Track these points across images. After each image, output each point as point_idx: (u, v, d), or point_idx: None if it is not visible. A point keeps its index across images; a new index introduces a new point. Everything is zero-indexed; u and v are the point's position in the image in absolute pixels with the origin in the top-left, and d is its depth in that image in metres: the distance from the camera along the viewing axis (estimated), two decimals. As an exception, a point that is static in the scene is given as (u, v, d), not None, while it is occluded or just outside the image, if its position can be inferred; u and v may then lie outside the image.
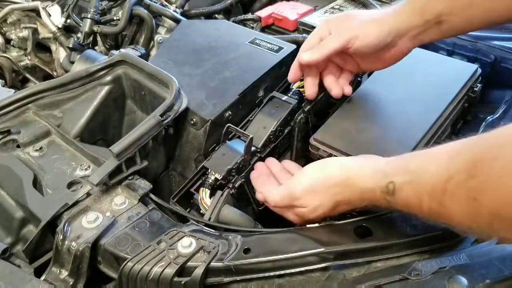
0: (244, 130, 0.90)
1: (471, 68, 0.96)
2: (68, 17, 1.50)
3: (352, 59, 0.88)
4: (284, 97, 0.94)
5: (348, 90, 0.91)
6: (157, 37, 1.39)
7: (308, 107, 0.94)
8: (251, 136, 0.83)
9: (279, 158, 0.94)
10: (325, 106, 1.00)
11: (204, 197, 0.81)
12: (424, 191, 0.55)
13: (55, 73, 1.62)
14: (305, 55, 0.84)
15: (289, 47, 1.05)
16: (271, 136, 0.89)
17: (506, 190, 0.46)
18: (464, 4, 0.76)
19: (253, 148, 0.86)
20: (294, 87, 0.98)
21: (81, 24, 1.44)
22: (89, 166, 0.81)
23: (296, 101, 0.93)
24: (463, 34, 1.07)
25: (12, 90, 1.14)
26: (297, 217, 0.73)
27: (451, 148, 0.55)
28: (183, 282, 0.63)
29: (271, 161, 0.87)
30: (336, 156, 0.83)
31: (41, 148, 0.85)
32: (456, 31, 0.81)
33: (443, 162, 0.54)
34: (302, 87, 0.98)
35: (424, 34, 0.80)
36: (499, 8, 0.76)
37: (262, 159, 0.87)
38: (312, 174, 0.71)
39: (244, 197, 0.86)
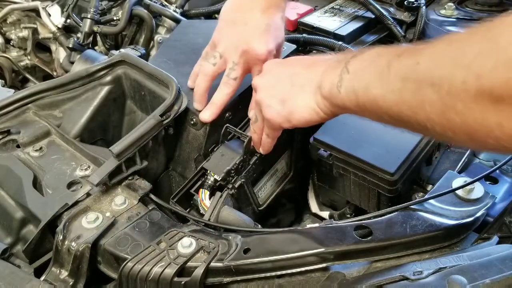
0: (244, 131, 0.90)
1: (471, 68, 0.96)
2: (68, 17, 1.50)
3: None
4: None
5: None
6: (157, 37, 1.39)
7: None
8: (249, 136, 0.83)
9: (279, 158, 0.94)
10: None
11: (203, 198, 0.81)
12: (389, 48, 0.56)
13: (55, 73, 1.62)
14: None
15: (289, 47, 1.05)
16: None
17: (447, 56, 0.46)
18: None
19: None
20: None
21: (81, 24, 1.44)
22: (89, 166, 0.81)
23: None
24: None
25: (12, 90, 1.13)
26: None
27: None
28: (183, 282, 0.63)
29: None
30: (337, 156, 0.83)
31: (41, 148, 0.85)
32: None
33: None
34: None
35: None
36: None
37: (262, 159, 0.87)
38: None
39: (244, 198, 0.86)
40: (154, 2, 1.44)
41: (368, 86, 0.55)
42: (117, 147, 0.76)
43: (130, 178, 0.79)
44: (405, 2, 1.25)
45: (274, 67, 0.78)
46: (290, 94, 0.70)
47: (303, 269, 0.63)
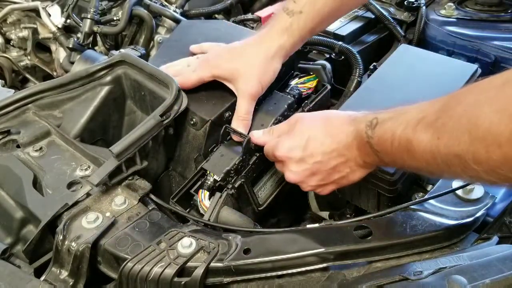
0: (243, 130, 0.90)
1: (471, 68, 0.96)
2: (68, 17, 1.50)
3: None
4: (281, 94, 0.95)
5: None
6: (157, 37, 1.39)
7: (308, 106, 0.94)
8: (248, 136, 0.83)
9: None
10: (325, 104, 1.00)
11: (203, 199, 0.81)
12: (399, 125, 0.61)
13: (55, 73, 1.62)
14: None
15: (289, 47, 1.05)
16: None
17: (462, 130, 0.52)
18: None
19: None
20: (293, 83, 0.98)
21: (81, 24, 1.44)
22: (89, 166, 0.81)
23: (294, 98, 0.93)
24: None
25: (12, 90, 1.14)
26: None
27: (434, 99, 0.60)
28: (183, 283, 0.63)
29: None
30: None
31: (41, 148, 0.85)
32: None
33: (423, 106, 0.60)
34: (301, 83, 0.98)
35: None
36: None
37: (262, 159, 0.87)
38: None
39: (244, 198, 0.86)
40: (154, 2, 1.44)
41: (403, 161, 0.63)
42: (117, 147, 0.76)
43: (130, 178, 0.79)
44: (405, 2, 1.25)
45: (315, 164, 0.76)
46: (347, 179, 0.75)
47: (303, 269, 0.63)
